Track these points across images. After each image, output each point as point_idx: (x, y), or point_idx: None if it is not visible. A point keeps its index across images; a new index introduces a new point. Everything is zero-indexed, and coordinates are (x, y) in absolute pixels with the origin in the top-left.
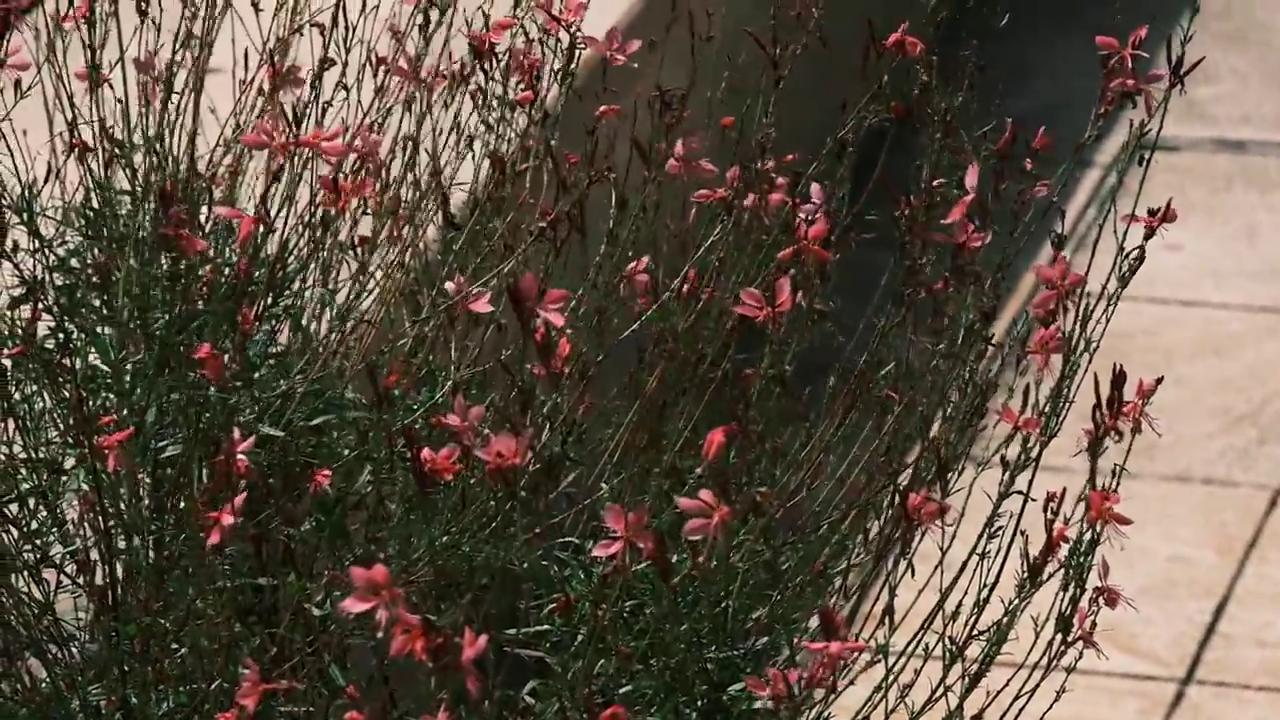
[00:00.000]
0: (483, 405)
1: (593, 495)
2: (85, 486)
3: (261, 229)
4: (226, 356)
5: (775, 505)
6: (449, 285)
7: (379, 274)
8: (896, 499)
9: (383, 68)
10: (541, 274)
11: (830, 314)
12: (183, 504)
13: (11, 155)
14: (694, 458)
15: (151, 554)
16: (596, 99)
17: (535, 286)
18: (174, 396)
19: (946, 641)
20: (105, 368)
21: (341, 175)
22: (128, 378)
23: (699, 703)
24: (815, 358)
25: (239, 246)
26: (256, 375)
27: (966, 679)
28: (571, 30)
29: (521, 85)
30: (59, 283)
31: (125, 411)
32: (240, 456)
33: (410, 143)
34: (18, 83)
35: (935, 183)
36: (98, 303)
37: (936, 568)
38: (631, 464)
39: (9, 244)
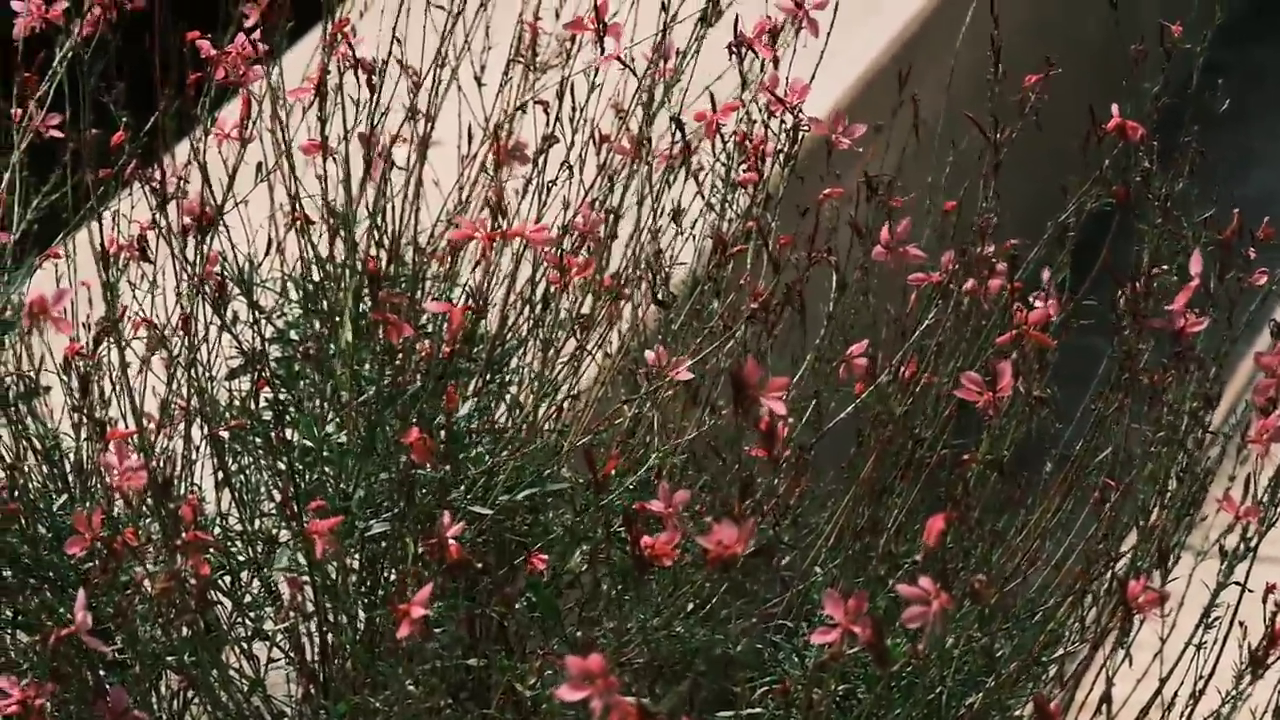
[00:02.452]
0: (693, 488)
1: (806, 578)
2: (299, 559)
3: (478, 308)
4: (440, 432)
5: (992, 592)
6: (648, 354)
7: (597, 352)
8: (1114, 587)
9: (606, 146)
10: (757, 355)
11: (1048, 400)
12: (391, 579)
13: (228, 229)
14: (910, 542)
15: (361, 630)
16: (819, 180)
17: (757, 373)
18: (383, 476)
19: None
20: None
21: (562, 251)
22: (335, 455)
23: None
24: (1033, 443)
25: (449, 337)
26: (470, 453)
27: None
28: (796, 113)
29: (745, 166)
30: (277, 354)
31: (334, 491)
32: (453, 541)
33: (620, 219)
34: (259, 165)
35: (1155, 269)
36: (314, 376)
37: (1155, 657)
38: (847, 548)
39: (229, 315)
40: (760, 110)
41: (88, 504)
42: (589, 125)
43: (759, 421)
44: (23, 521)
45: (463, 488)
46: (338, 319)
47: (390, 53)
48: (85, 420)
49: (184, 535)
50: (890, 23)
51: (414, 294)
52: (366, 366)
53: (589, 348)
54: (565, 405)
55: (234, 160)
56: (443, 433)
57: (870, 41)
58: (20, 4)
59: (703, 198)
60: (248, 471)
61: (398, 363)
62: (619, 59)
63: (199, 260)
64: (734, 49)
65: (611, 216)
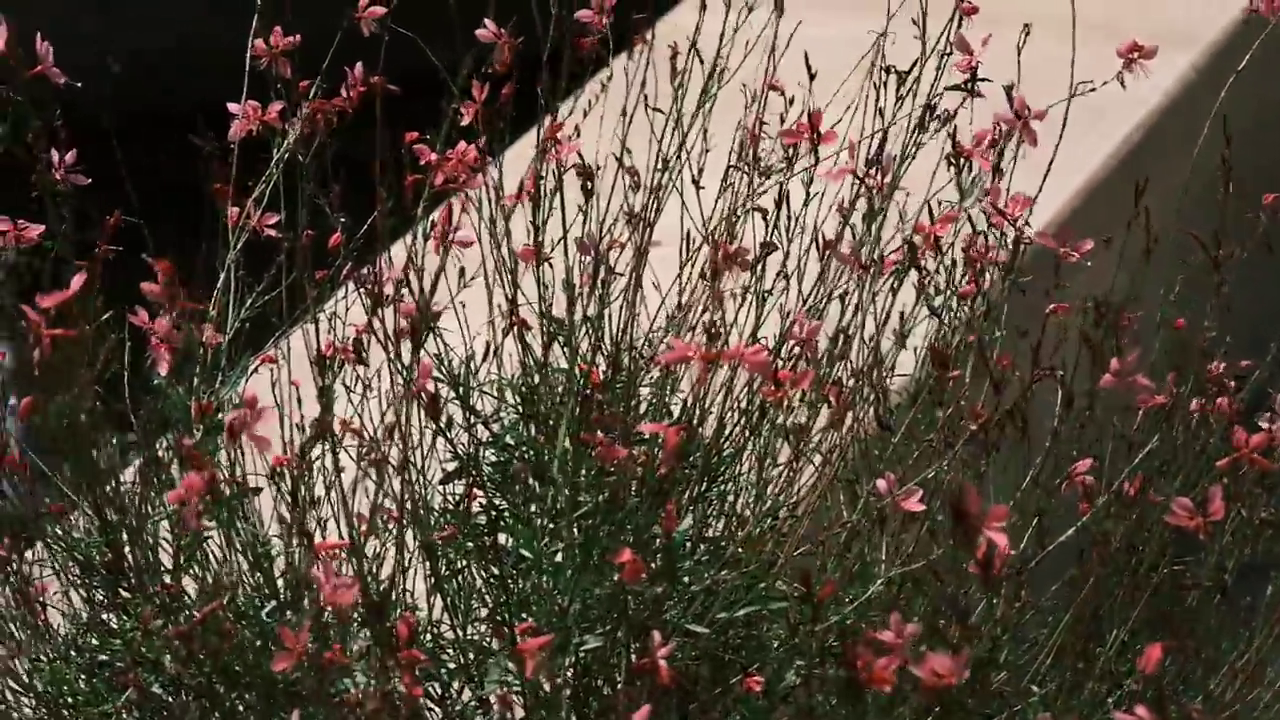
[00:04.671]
0: (910, 606)
1: (1025, 696)
2: (510, 670)
3: (691, 429)
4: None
5: None
6: (880, 483)
7: (816, 462)
8: None
9: (828, 253)
10: (977, 474)
11: (1273, 521)
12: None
13: (445, 332)
14: (1130, 663)
15: None
16: (1042, 293)
17: (979, 502)
18: (597, 591)
19: None
20: (529, 555)
21: (779, 363)
22: (551, 567)
23: None
24: (1257, 563)
25: (665, 460)
26: (685, 564)
27: None
28: (1017, 225)
29: (965, 279)
30: (492, 459)
31: (549, 602)
32: (663, 664)
33: (846, 335)
34: (462, 270)
35: None
36: (530, 482)
37: None
38: (1066, 667)
39: (444, 418)
40: (983, 218)
41: (297, 613)
42: (807, 233)
43: (977, 551)
44: (232, 631)
45: (678, 604)
46: (554, 425)
47: (609, 155)
48: (294, 531)
49: (398, 654)
50: (1115, 129)
51: (631, 400)
52: (583, 476)
53: (807, 456)
54: (782, 515)
55: (451, 264)
56: (659, 548)
57: (1094, 149)
58: (236, 107)
59: (926, 300)
60: (460, 578)
61: (613, 475)
62: (850, 172)
63: (414, 365)
64: (951, 160)
65: (831, 328)
